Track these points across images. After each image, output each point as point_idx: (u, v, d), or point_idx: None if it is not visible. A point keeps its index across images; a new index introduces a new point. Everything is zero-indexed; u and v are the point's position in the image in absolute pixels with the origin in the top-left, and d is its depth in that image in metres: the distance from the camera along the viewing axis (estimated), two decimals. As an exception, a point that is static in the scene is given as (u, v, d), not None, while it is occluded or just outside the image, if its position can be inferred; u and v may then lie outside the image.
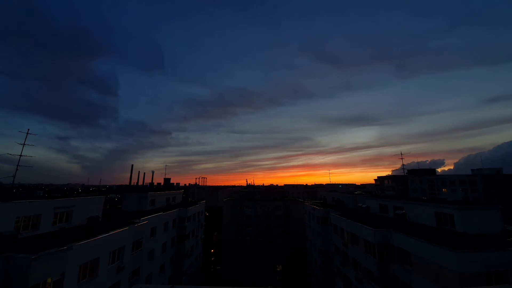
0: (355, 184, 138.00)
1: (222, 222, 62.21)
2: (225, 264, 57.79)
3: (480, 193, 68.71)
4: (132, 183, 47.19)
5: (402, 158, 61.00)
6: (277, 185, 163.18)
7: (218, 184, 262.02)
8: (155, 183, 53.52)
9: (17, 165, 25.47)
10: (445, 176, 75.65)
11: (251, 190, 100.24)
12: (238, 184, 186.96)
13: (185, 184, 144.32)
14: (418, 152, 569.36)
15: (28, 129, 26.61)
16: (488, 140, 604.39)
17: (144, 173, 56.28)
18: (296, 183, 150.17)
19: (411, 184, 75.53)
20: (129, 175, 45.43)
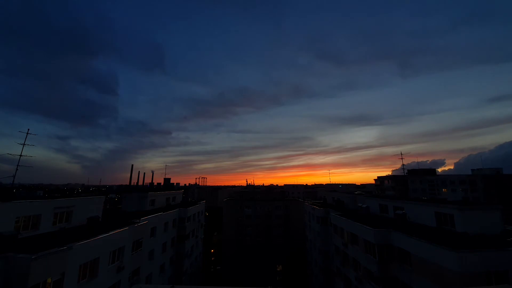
0: (355, 184, 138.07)
1: (222, 222, 62.21)
2: (225, 264, 57.78)
3: (480, 193, 68.71)
4: (132, 183, 47.24)
5: (402, 158, 61.06)
6: (277, 185, 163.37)
7: (218, 184, 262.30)
8: (155, 183, 53.58)
9: (17, 165, 25.48)
10: (445, 176, 75.64)
11: (251, 190, 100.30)
12: (238, 184, 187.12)
13: (185, 184, 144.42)
14: (419, 152, 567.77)
15: (28, 129, 26.64)
16: (489, 140, 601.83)
17: (144, 173, 56.32)
18: (296, 183, 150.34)
19: (411, 184, 75.50)
20: (129, 175, 45.48)
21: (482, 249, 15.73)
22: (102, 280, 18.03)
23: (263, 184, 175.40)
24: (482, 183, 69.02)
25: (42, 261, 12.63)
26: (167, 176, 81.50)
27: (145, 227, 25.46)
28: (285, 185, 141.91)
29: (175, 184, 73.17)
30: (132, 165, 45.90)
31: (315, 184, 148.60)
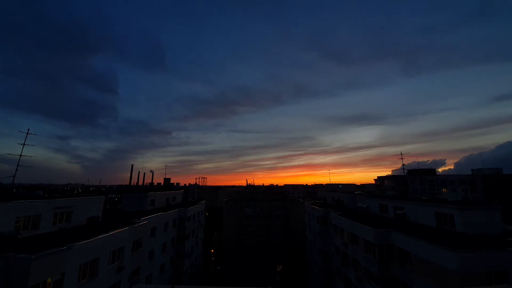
0: (355, 184, 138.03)
1: (222, 222, 62.23)
2: (225, 264, 57.79)
3: (480, 193, 68.71)
4: (132, 183, 47.27)
5: (402, 158, 61.07)
6: (277, 185, 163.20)
7: (218, 184, 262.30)
8: (155, 183, 53.61)
9: (17, 165, 25.49)
10: (445, 176, 75.62)
11: (251, 190, 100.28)
12: (238, 184, 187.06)
13: (185, 184, 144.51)
14: (420, 152, 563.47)
15: (28, 129, 26.65)
16: (492, 139, 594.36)
17: (144, 173, 56.34)
18: (296, 183, 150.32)
19: (411, 184, 75.49)
20: (129, 175, 45.51)
21: (482, 249, 15.72)
22: (102, 280, 18.03)
23: (263, 184, 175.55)
24: (482, 183, 69.02)
25: (42, 261, 12.63)
26: (167, 176, 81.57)
27: (145, 227, 25.46)
28: (285, 185, 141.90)
29: (175, 184, 73.20)
30: (132, 165, 45.95)
31: (315, 184, 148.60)
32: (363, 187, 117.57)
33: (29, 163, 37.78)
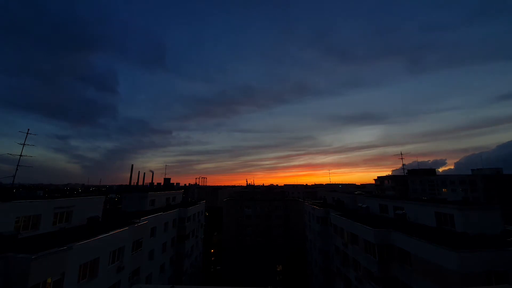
0: (355, 184, 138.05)
1: (222, 222, 62.24)
2: (225, 264, 57.79)
3: (480, 193, 68.70)
4: (132, 183, 47.30)
5: (402, 158, 61.11)
6: (277, 185, 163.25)
7: (218, 184, 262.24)
8: (155, 183, 53.63)
9: (17, 165, 25.50)
10: (445, 176, 75.61)
11: (251, 190, 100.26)
12: (238, 184, 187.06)
13: (185, 184, 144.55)
14: (421, 152, 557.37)
15: (28, 129, 26.68)
16: (493, 139, 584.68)
17: (144, 173, 56.39)
18: (296, 183, 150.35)
19: (411, 184, 75.50)
20: (129, 175, 45.54)
21: (482, 249, 15.73)
22: (102, 280, 18.03)
23: (263, 184, 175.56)
24: (482, 183, 69.01)
25: (42, 261, 12.64)
26: (167, 176, 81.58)
27: (145, 227, 25.46)
28: (285, 185, 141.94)
29: (175, 184, 73.25)
30: (132, 165, 45.98)
31: (315, 184, 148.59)
32: (363, 187, 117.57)
33: (29, 163, 37.79)
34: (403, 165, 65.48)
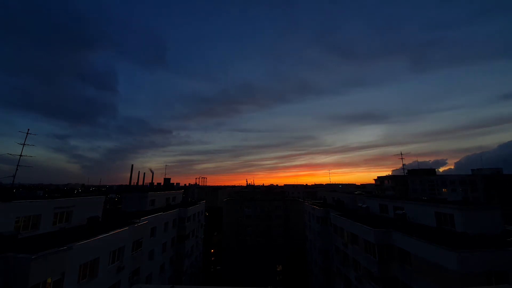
0: (355, 184, 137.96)
1: (222, 222, 62.27)
2: (225, 264, 57.81)
3: (480, 193, 68.69)
4: (132, 183, 47.31)
5: (402, 158, 61.14)
6: (277, 185, 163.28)
7: (218, 184, 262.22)
8: (155, 183, 53.65)
9: (17, 165, 25.51)
10: (445, 176, 75.60)
11: (251, 190, 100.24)
12: (238, 184, 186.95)
13: (185, 184, 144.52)
14: (423, 152, 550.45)
15: (28, 129, 26.69)
16: (496, 139, 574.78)
17: (144, 173, 56.46)
18: (296, 183, 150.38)
19: (411, 184, 75.48)
20: (129, 175, 45.55)
21: (482, 249, 15.73)
22: (102, 280, 18.04)
23: (263, 184, 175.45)
24: (482, 183, 69.00)
25: (42, 261, 12.64)
26: (167, 176, 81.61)
27: (145, 227, 25.47)
28: (285, 185, 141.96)
29: (175, 184, 73.27)
30: (132, 165, 45.99)
31: (315, 184, 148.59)
32: (363, 187, 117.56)
33: (29, 163, 37.81)
34: (403, 165, 65.62)
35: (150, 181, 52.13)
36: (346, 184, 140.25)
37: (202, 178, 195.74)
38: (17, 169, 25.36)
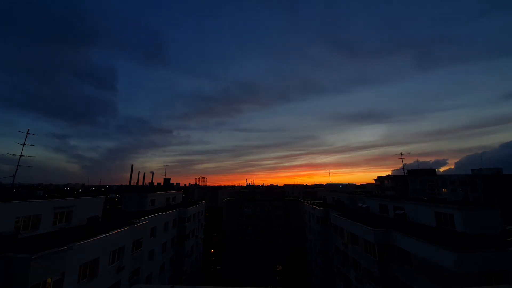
0: (355, 184, 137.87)
1: (222, 222, 62.25)
2: (225, 264, 57.81)
3: (480, 193, 68.70)
4: (132, 183, 47.26)
5: (402, 158, 61.12)
6: (277, 185, 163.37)
7: (218, 184, 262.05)
8: (155, 183, 53.64)
9: (17, 165, 25.52)
10: (445, 176, 75.61)
11: (251, 190, 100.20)
12: (238, 184, 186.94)
13: (185, 184, 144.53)
14: (424, 151, 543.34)
15: (28, 129, 26.70)
16: (498, 138, 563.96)
17: (144, 173, 56.41)
18: (296, 183, 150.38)
19: (411, 184, 75.50)
20: (129, 175, 45.52)
21: (482, 249, 15.74)
22: (102, 280, 18.04)
23: (263, 184, 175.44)
24: (482, 183, 69.02)
25: (42, 261, 12.64)
26: (167, 176, 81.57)
27: (145, 227, 25.47)
28: (285, 185, 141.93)
29: (175, 184, 73.31)
30: (132, 165, 45.96)
31: (315, 184, 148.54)
32: (363, 187, 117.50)
33: (29, 163, 37.81)
34: (403, 165, 65.43)
35: (150, 181, 52.15)
36: (346, 184, 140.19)
37: (202, 178, 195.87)
38: (17, 169, 25.38)
